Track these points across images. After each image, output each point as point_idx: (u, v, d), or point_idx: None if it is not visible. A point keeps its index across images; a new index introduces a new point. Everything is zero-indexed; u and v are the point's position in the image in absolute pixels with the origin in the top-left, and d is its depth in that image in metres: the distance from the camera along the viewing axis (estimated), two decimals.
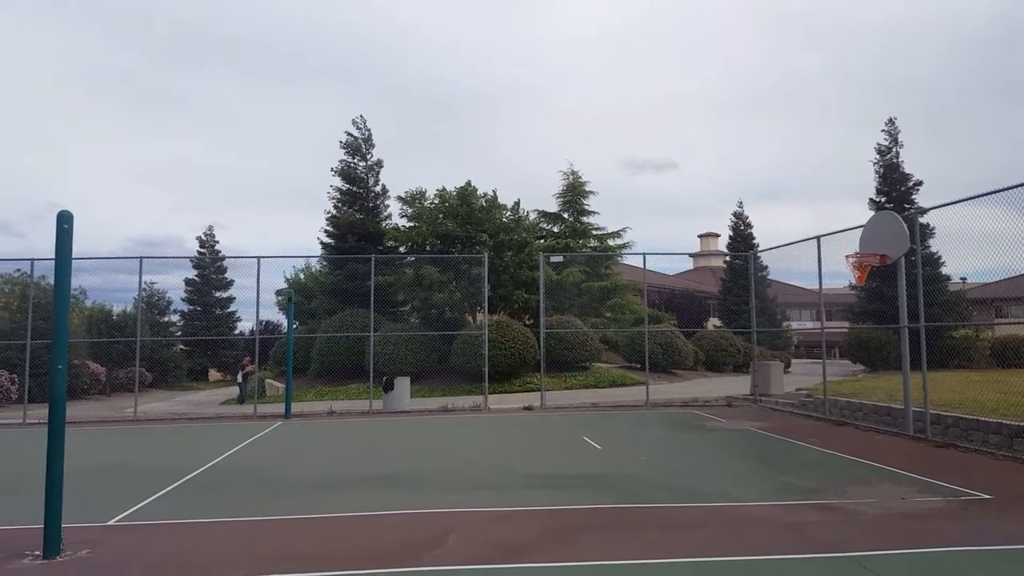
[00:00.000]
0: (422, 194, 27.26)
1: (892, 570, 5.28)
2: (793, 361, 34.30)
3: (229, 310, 38.77)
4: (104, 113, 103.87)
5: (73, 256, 6.47)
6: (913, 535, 6.28)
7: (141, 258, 18.97)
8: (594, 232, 33.93)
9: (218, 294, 38.66)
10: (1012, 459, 9.89)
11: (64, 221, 6.35)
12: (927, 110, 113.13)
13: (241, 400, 23.82)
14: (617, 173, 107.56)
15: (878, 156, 31.02)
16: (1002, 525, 6.62)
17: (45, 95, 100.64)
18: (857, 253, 13.39)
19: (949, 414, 11.85)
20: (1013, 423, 10.48)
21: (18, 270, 26.80)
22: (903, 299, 12.92)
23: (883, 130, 31.07)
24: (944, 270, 27.08)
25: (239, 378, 24.90)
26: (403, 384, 18.80)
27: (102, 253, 53.88)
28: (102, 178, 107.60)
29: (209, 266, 38.14)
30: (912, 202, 28.90)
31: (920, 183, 30.25)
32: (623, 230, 34.05)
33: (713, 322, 38.99)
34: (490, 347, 20.34)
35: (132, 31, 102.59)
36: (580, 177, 34.01)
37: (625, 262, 35.98)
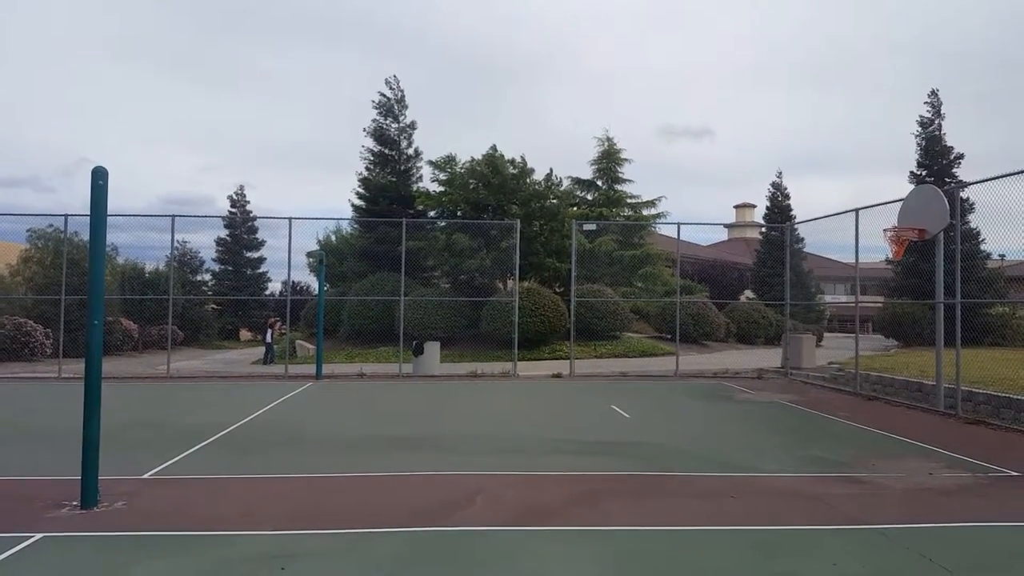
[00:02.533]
0: (453, 159, 27.14)
1: (917, 543, 5.27)
2: (826, 335, 33.91)
3: (260, 270, 39.15)
4: (136, 72, 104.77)
5: (108, 213, 6.54)
6: (939, 509, 6.27)
7: (173, 216, 19.12)
8: (628, 201, 33.65)
9: (249, 254, 38.98)
10: None
11: (99, 177, 6.40)
12: (972, 82, 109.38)
13: (267, 361, 23.80)
14: (653, 140, 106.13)
15: (920, 128, 30.25)
16: None
17: (77, 53, 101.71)
18: (895, 227, 13.12)
19: (981, 391, 11.73)
20: None
21: (51, 225, 27.13)
22: (940, 275, 12.68)
23: (926, 102, 30.27)
24: (983, 247, 26.48)
25: (268, 337, 24.88)
26: (433, 348, 18.97)
27: (133, 210, 54.92)
28: (133, 135, 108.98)
29: (240, 226, 38.46)
30: (953, 176, 28.21)
31: (961, 156, 29.50)
32: (658, 199, 33.75)
33: (746, 294, 38.57)
34: (520, 314, 20.39)
35: None
36: (615, 144, 33.68)
37: (659, 232, 35.68)
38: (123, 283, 29.79)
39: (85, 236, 21.20)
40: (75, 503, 6.13)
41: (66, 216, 19.21)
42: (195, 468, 7.72)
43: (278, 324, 24.84)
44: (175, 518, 5.88)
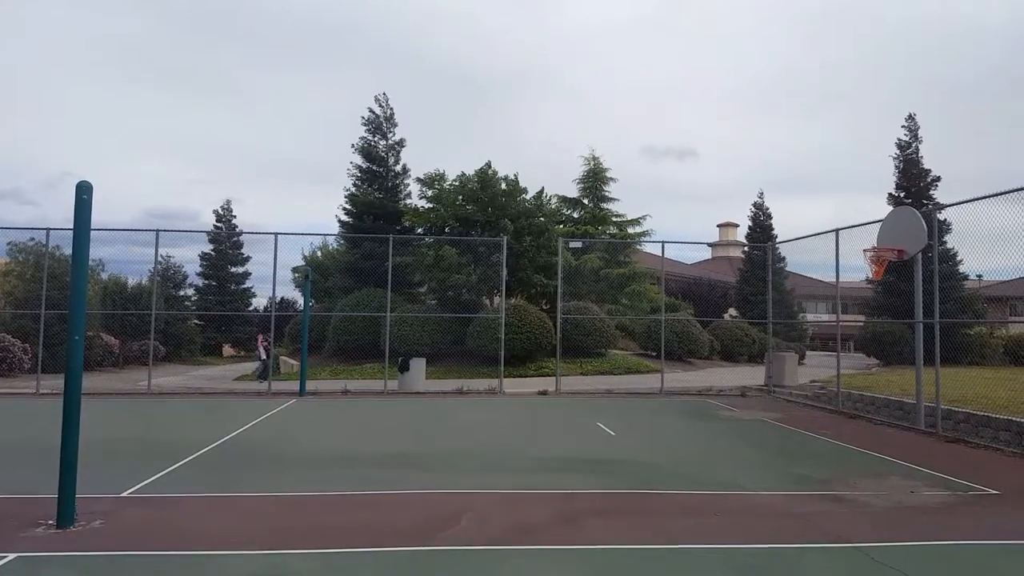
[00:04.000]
0: (442, 176, 27.22)
1: (899, 561, 5.31)
2: (808, 353, 34.16)
3: (244, 286, 38.91)
4: (121, 83, 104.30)
5: (91, 227, 6.50)
6: (921, 528, 6.32)
7: (158, 231, 18.99)
8: (614, 219, 33.87)
9: (234, 269, 38.72)
10: (1021, 456, 9.91)
11: (83, 192, 6.36)
12: (949, 105, 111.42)
13: (263, 377, 22.99)
14: (637, 160, 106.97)
15: (898, 151, 30.79)
16: (1008, 521, 6.65)
17: (61, 63, 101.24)
18: (875, 247, 13.32)
19: (960, 410, 11.86)
20: (1022, 420, 10.48)
21: (32, 239, 26.85)
22: (919, 295, 12.86)
23: (903, 125, 30.83)
24: (960, 267, 26.89)
25: (263, 353, 24.10)
26: (419, 365, 18.92)
27: (117, 224, 54.57)
28: (118, 147, 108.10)
29: (226, 241, 38.23)
30: (930, 198, 28.68)
31: (938, 179, 30.05)
32: (642, 218, 34.01)
33: (730, 312, 38.82)
34: (506, 331, 20.41)
35: (151, 2, 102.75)
36: (601, 163, 33.94)
37: (644, 250, 35.88)
38: (105, 297, 29.52)
39: (67, 250, 21.03)
40: (51, 522, 6.03)
41: (48, 230, 19.14)
42: (175, 486, 7.63)
43: (262, 339, 24.40)
44: (154, 538, 5.80)
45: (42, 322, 18.15)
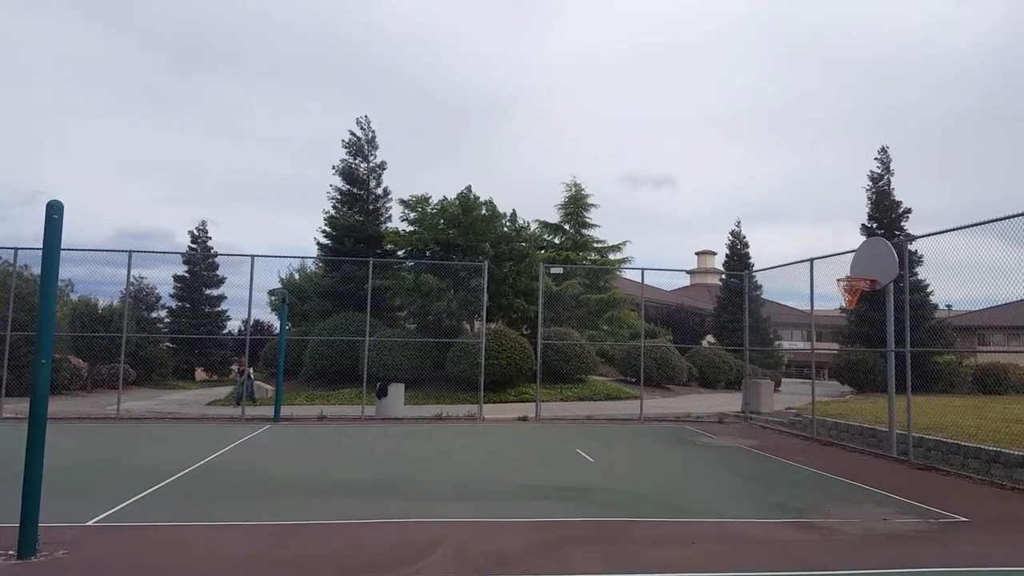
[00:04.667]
0: (426, 199, 27.22)
1: None
2: (783, 380, 34.44)
3: (219, 308, 38.35)
4: (95, 102, 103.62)
5: (62, 247, 6.39)
6: (894, 556, 6.37)
7: (131, 252, 18.59)
8: (594, 245, 34.11)
9: (208, 291, 38.19)
10: (989, 483, 10.07)
11: (54, 211, 6.28)
12: (920, 139, 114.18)
13: (239, 400, 22.50)
14: (618, 187, 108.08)
15: (870, 183, 31.43)
16: (978, 548, 6.73)
17: (34, 82, 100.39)
18: (848, 277, 13.54)
19: (931, 437, 12.01)
20: (991, 448, 10.67)
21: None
22: (891, 324, 13.06)
23: (876, 158, 31.51)
24: (931, 297, 27.41)
25: (244, 376, 23.48)
26: (397, 390, 18.74)
27: (89, 243, 53.62)
28: (90, 166, 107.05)
29: (200, 262, 37.77)
30: (902, 229, 29.27)
31: (909, 210, 30.69)
32: (623, 244, 34.28)
33: (708, 339, 39.09)
34: (487, 356, 20.33)
35: (128, 23, 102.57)
36: (582, 189, 34.26)
37: (624, 276, 36.10)
38: (74, 319, 28.96)
39: (36, 269, 20.64)
40: (11, 552, 5.86)
41: (16, 249, 18.61)
42: (143, 515, 7.46)
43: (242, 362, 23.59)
44: (120, 568, 5.67)
45: (7, 344, 17.64)
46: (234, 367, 37.66)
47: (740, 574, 5.74)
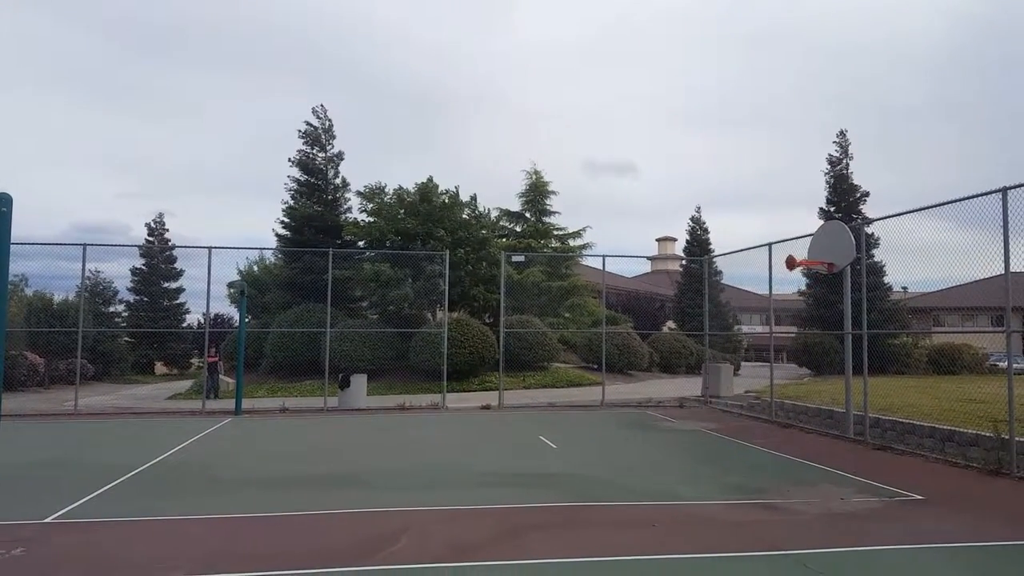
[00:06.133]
0: (382, 189, 27.08)
1: (832, 567, 5.49)
2: (743, 364, 35.04)
3: (178, 301, 37.63)
4: (45, 92, 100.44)
5: (12, 241, 6.24)
6: (852, 534, 6.53)
7: (85, 245, 18.17)
8: (555, 232, 34.17)
9: (166, 284, 37.43)
10: (944, 461, 10.36)
11: (3, 204, 6.15)
12: (878, 126, 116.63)
13: (215, 392, 21.89)
14: (578, 174, 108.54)
15: (829, 167, 31.99)
16: (933, 525, 6.93)
17: None
18: (805, 261, 13.75)
19: (887, 418, 12.31)
20: (945, 427, 10.99)
21: None
22: (848, 306, 13.33)
23: (835, 141, 32.06)
24: (886, 279, 28.07)
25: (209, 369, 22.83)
26: (359, 381, 18.63)
27: (43, 238, 52.02)
28: (42, 160, 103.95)
29: (158, 255, 36.94)
30: (860, 212, 29.88)
31: (867, 194, 31.30)
32: (583, 230, 34.40)
33: (668, 324, 39.55)
34: (449, 345, 20.30)
35: (80, 12, 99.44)
36: (543, 177, 34.24)
37: (584, 263, 36.25)
38: (29, 314, 28.20)
39: None
40: None
41: None
42: (103, 511, 7.31)
43: (212, 353, 23.01)
44: (78, 565, 5.55)
45: None
46: (194, 360, 37.03)
47: (701, 555, 5.84)
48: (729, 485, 8.74)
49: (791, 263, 13.65)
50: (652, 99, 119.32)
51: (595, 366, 26.09)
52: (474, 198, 28.30)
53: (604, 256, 21.15)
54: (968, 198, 10.34)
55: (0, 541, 5.90)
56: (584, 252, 33.85)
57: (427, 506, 7.49)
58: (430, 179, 26.51)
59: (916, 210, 11.59)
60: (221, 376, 23.61)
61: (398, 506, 7.47)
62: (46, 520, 6.88)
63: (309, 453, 11.40)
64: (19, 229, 6.10)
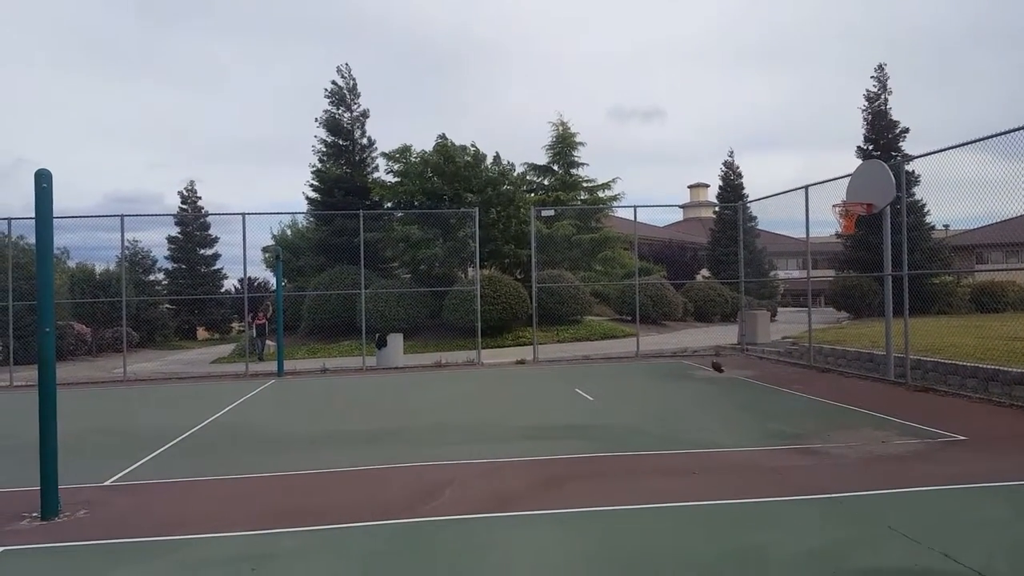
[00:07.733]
0: (408, 150, 26.95)
1: (872, 510, 5.50)
2: (779, 310, 34.66)
3: (215, 267, 38.36)
4: (75, 67, 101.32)
5: (53, 215, 6.37)
6: (892, 476, 6.51)
7: (123, 216, 18.54)
8: (584, 184, 33.74)
9: (203, 251, 38.10)
10: (987, 401, 10.23)
11: (43, 180, 6.23)
12: (917, 58, 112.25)
13: (259, 356, 22.41)
14: (604, 123, 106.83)
15: (866, 103, 30.90)
16: (975, 466, 6.86)
17: (12, 47, 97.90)
18: (844, 202, 13.44)
19: (928, 359, 12.13)
20: (989, 367, 10.79)
21: None
22: (888, 247, 13.06)
23: (872, 76, 30.91)
24: (928, 218, 27.33)
25: (255, 331, 22.98)
26: (396, 340, 18.90)
27: (78, 210, 53.28)
28: (74, 132, 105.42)
29: (192, 223, 37.56)
30: (899, 150, 28.98)
31: (907, 130, 30.25)
32: (613, 181, 33.81)
33: (702, 273, 39.16)
34: (482, 302, 20.44)
35: None
36: (569, 128, 33.68)
37: (615, 214, 35.86)
38: (73, 286, 28.96)
39: (30, 239, 20.51)
40: (35, 514, 6.00)
41: (9, 220, 18.49)
42: (158, 472, 7.61)
43: (260, 316, 23.49)
44: (140, 525, 5.80)
45: (10, 314, 17.77)
46: (234, 325, 37.83)
47: (741, 501, 5.88)
48: (768, 431, 8.74)
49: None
50: (680, 41, 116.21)
51: (628, 318, 26.06)
52: (498, 156, 27.96)
53: (635, 206, 20.90)
54: (1014, 131, 9.97)
55: (64, 504, 6.15)
56: (615, 203, 33.44)
57: (469, 459, 7.64)
58: (443, 136, 26.31)
59: (959, 145, 11.16)
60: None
61: (441, 460, 7.63)
62: (105, 484, 7.16)
63: (352, 411, 11.67)
64: (55, 203, 6.19)
